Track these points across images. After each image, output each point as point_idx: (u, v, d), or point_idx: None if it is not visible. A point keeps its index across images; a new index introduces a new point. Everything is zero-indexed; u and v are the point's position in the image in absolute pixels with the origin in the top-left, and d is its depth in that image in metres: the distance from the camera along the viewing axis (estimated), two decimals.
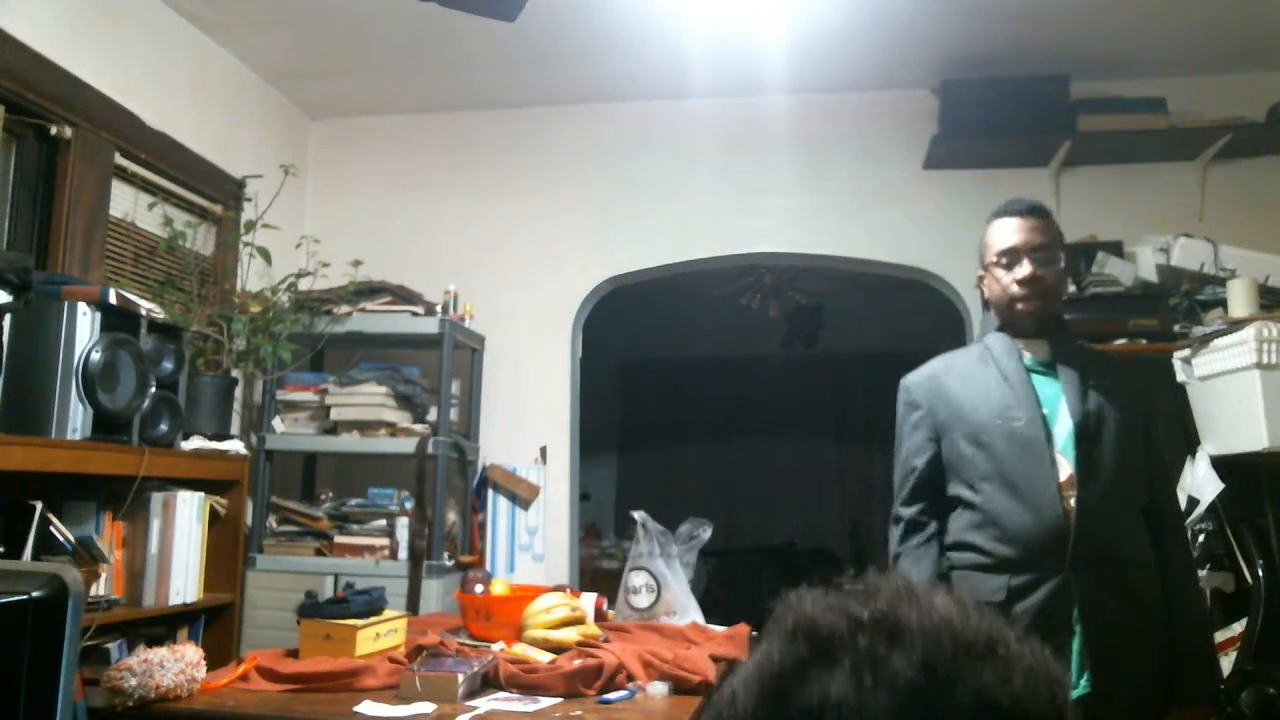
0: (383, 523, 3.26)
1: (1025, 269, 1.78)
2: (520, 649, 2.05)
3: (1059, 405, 1.75)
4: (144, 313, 2.50)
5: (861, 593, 0.57)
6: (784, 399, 6.72)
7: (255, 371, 3.32)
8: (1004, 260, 1.81)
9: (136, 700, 1.67)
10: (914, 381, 1.93)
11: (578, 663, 1.89)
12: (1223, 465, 2.49)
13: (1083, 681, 1.62)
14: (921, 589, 0.57)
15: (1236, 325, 2.54)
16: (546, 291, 3.78)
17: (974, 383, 1.82)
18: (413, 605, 3.07)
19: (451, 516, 3.45)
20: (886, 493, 6.98)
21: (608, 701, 1.78)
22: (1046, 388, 1.78)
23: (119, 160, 2.90)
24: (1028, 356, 1.82)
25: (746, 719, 0.54)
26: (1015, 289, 1.79)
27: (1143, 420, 1.80)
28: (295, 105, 3.89)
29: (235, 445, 2.89)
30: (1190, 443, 2.65)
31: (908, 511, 1.84)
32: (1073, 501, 1.67)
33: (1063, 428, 1.73)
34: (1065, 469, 1.70)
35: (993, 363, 1.83)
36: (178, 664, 1.72)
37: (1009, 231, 1.81)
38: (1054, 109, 3.34)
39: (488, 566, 3.56)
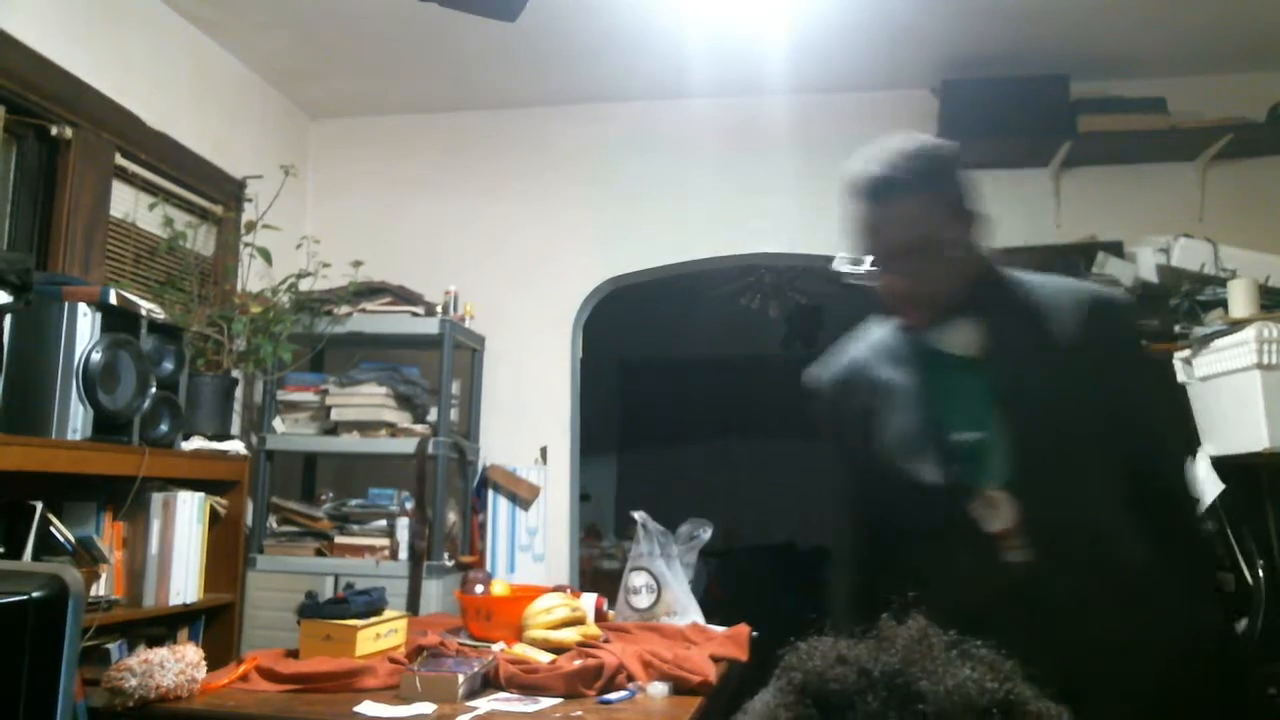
0: (383, 523, 3.26)
1: (881, 281, 1.38)
2: (520, 649, 2.05)
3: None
4: (144, 313, 2.50)
5: (875, 643, 0.55)
6: (784, 399, 6.69)
7: (255, 372, 3.32)
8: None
9: (136, 700, 1.67)
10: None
11: (578, 663, 1.89)
12: (1223, 465, 2.49)
13: None
14: (938, 639, 0.55)
15: (1237, 326, 2.54)
16: (547, 292, 3.78)
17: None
18: (413, 606, 3.07)
19: (452, 517, 3.45)
20: None
21: (608, 702, 1.78)
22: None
23: (119, 160, 2.90)
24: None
25: None
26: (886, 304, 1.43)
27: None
28: (295, 105, 3.89)
29: (235, 445, 2.89)
30: (1190, 443, 2.65)
31: None
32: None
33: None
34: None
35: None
36: (178, 664, 1.72)
37: (858, 227, 1.40)
38: (1054, 109, 3.34)
39: (488, 567, 3.56)
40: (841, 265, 1.41)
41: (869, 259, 1.38)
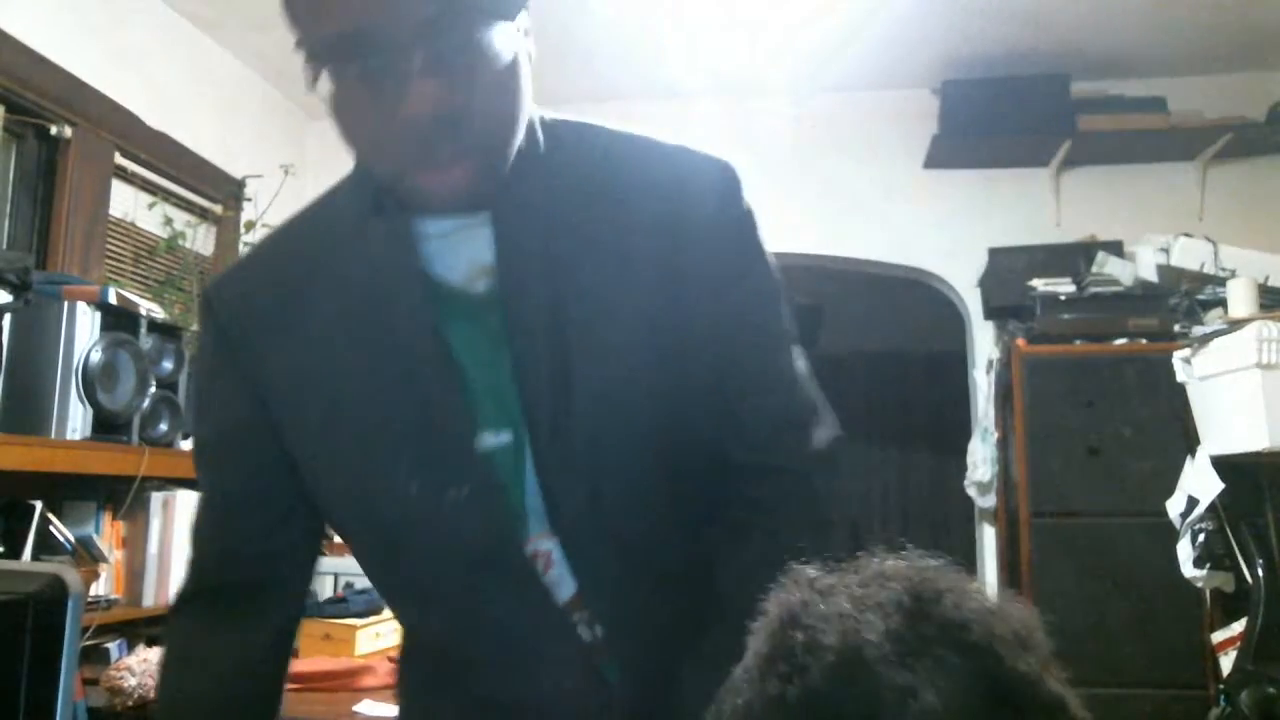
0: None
1: (409, 94, 0.69)
2: None
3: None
4: (144, 313, 2.50)
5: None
6: None
7: None
8: (343, 64, 0.74)
9: (136, 700, 1.67)
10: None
11: None
12: (1223, 465, 2.49)
13: None
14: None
15: (1236, 325, 2.54)
16: None
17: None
18: None
19: None
20: (887, 493, 6.91)
21: None
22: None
23: (119, 160, 2.89)
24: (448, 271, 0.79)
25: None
26: (396, 143, 0.73)
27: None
28: (295, 105, 3.89)
29: None
30: (1190, 443, 2.65)
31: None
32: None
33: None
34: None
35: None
36: None
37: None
38: (1054, 109, 3.34)
39: None
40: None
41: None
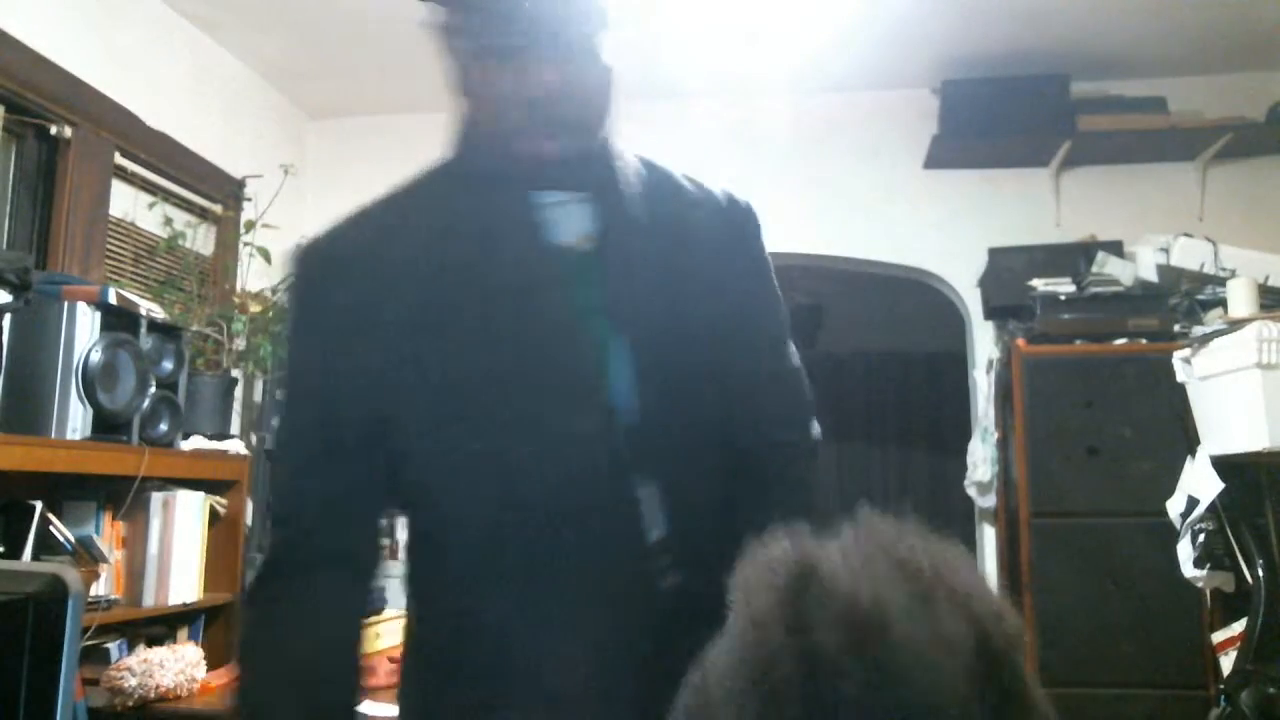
0: (383, 522, 3.25)
1: (535, 78, 0.87)
2: None
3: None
4: (144, 313, 2.50)
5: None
6: None
7: (255, 371, 3.32)
8: (470, 39, 0.92)
9: (136, 700, 1.67)
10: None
11: None
12: (1223, 465, 2.49)
13: None
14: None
15: (1236, 325, 2.54)
16: None
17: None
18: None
19: None
20: (887, 493, 6.91)
21: None
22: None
23: (118, 160, 2.89)
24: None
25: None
26: (521, 114, 0.89)
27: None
28: (295, 105, 3.89)
29: (235, 445, 2.89)
30: (1190, 443, 2.65)
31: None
32: None
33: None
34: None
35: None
36: (178, 664, 1.72)
37: None
38: (1054, 109, 3.34)
39: None
40: None
41: None
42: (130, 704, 1.68)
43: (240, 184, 3.47)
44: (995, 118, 3.35)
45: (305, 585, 0.91)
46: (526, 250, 0.93)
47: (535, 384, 0.89)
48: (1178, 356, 2.72)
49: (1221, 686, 2.43)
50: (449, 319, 0.91)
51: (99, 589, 2.34)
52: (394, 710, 1.68)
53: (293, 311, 1.02)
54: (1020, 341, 3.06)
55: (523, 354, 0.90)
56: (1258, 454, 2.39)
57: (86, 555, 2.21)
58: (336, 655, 0.93)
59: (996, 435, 3.20)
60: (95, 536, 2.29)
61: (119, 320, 2.38)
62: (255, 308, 3.21)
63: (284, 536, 0.95)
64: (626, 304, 0.94)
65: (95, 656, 2.31)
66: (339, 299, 0.95)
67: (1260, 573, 2.43)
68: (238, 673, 0.92)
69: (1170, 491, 2.59)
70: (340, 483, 0.94)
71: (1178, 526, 2.55)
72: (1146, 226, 3.28)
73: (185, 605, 2.58)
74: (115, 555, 2.43)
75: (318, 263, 1.00)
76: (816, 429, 1.09)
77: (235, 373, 3.18)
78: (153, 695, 1.68)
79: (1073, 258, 3.23)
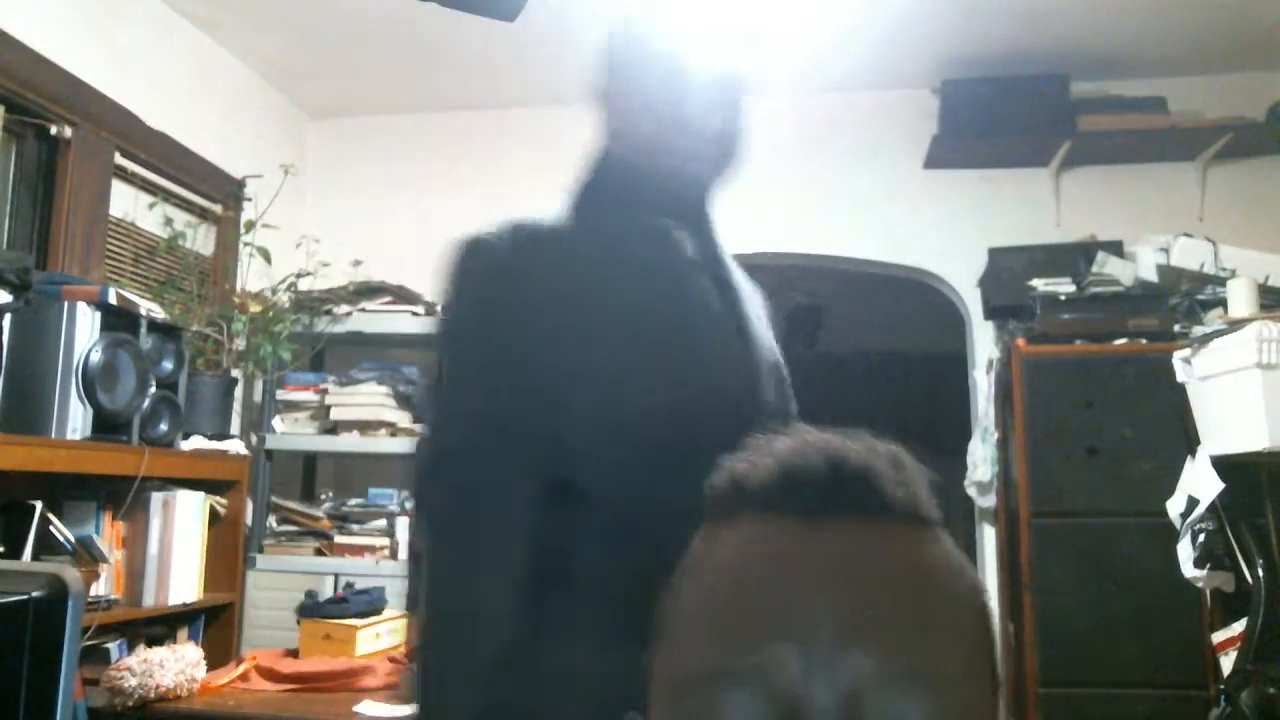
0: (383, 522, 3.25)
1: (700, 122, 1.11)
2: None
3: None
4: (144, 313, 2.50)
5: None
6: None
7: (255, 371, 3.32)
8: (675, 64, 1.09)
9: (136, 700, 1.67)
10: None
11: None
12: (1223, 465, 2.49)
13: None
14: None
15: (1236, 325, 2.54)
16: None
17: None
18: (413, 605, 3.06)
19: None
20: None
21: None
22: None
23: (118, 160, 2.90)
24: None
25: None
26: (686, 142, 1.10)
27: None
28: (295, 105, 3.89)
29: (235, 445, 2.89)
30: (1190, 443, 2.65)
31: None
32: None
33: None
34: None
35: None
36: (178, 664, 1.72)
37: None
38: (1054, 109, 3.34)
39: None
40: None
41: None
42: (130, 704, 1.68)
43: (240, 184, 3.47)
44: (995, 118, 3.35)
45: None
46: (688, 267, 1.13)
47: (711, 402, 1.03)
48: (1178, 356, 2.72)
49: (1221, 686, 2.43)
50: (630, 329, 1.05)
51: (99, 589, 2.34)
52: (394, 710, 1.68)
53: (478, 323, 1.09)
54: (1020, 341, 3.05)
55: (702, 372, 1.06)
56: (1258, 454, 2.39)
57: (86, 555, 2.21)
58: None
59: (996, 435, 3.20)
60: (95, 536, 2.29)
61: (119, 320, 2.38)
62: (255, 308, 3.21)
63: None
64: (757, 328, 1.17)
65: (95, 656, 2.31)
66: (521, 312, 1.07)
67: (1260, 573, 2.43)
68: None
69: (1170, 491, 2.59)
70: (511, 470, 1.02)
71: (1178, 526, 2.55)
72: (1146, 226, 3.28)
73: (185, 605, 2.58)
74: (115, 555, 2.43)
75: (506, 279, 1.12)
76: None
77: (235, 373, 3.18)
78: (153, 695, 1.68)
79: (1073, 258, 3.23)
